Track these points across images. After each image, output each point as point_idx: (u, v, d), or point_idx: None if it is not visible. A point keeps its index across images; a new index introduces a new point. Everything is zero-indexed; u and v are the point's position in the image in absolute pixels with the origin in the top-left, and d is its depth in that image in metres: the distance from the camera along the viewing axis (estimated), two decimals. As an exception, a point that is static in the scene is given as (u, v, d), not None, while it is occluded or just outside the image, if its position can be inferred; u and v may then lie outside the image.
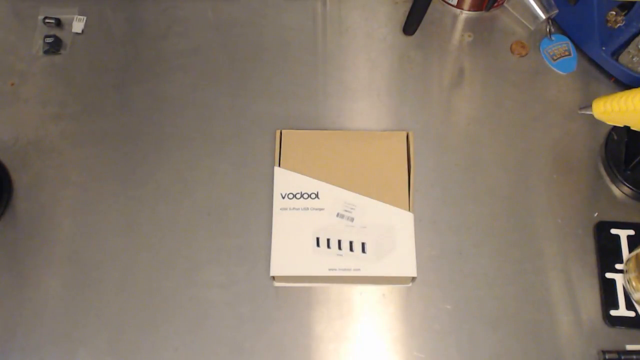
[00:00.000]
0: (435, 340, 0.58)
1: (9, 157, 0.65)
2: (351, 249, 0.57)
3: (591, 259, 0.60)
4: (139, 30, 0.72)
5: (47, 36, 0.71)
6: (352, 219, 0.58)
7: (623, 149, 0.64)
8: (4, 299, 0.59)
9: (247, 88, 0.69)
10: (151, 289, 0.59)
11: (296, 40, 0.72)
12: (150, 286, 0.59)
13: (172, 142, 0.66)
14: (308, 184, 0.60)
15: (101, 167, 0.65)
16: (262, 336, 0.58)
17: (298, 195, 0.59)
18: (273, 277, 0.58)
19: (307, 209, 0.59)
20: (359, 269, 0.56)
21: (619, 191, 0.63)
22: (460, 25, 0.73)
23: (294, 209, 0.59)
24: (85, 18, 0.72)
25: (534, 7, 0.68)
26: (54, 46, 0.71)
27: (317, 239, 0.57)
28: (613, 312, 0.58)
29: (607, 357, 0.56)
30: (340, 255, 0.57)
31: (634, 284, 0.57)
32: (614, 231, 0.61)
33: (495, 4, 0.72)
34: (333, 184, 0.60)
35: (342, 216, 0.58)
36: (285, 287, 0.59)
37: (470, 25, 0.73)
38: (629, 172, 0.62)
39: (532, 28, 0.71)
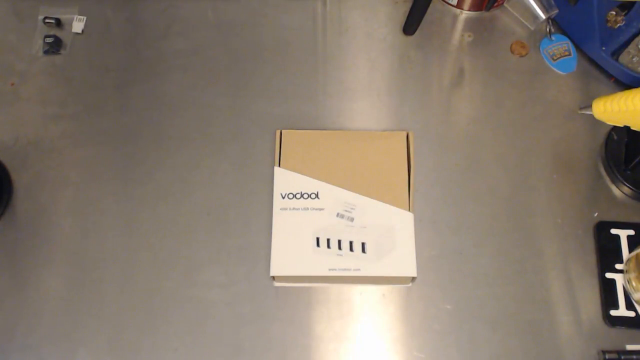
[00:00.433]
0: (435, 340, 0.58)
1: (9, 157, 0.65)
2: (351, 249, 0.57)
3: (591, 259, 0.60)
4: (139, 30, 0.72)
5: (47, 36, 0.71)
6: (352, 219, 0.58)
7: (623, 149, 0.64)
8: (4, 299, 0.59)
9: (247, 88, 0.69)
10: (151, 289, 0.59)
11: (296, 40, 0.72)
12: (150, 286, 0.59)
13: (172, 142, 0.66)
14: (308, 184, 0.60)
15: (101, 167, 0.65)
16: (262, 336, 0.58)
17: (298, 195, 0.59)
18: (273, 277, 0.58)
19: (307, 209, 0.59)
20: (359, 269, 0.56)
21: (619, 191, 0.63)
22: (460, 25, 0.73)
23: (294, 209, 0.59)
24: (85, 18, 0.72)
25: (534, 7, 0.68)
26: (54, 46, 0.71)
27: (317, 239, 0.57)
28: (613, 312, 0.58)
29: (607, 357, 0.56)
30: (340, 255, 0.57)
31: (634, 284, 0.57)
32: (614, 231, 0.61)
33: (495, 4, 0.72)
34: (333, 184, 0.60)
35: (342, 216, 0.58)
36: (285, 287, 0.59)
37: (470, 25, 0.73)
38: (629, 172, 0.62)
39: (532, 28, 0.71)
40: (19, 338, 0.58)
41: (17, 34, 0.72)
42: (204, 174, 0.64)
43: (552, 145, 0.66)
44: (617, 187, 0.63)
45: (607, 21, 0.66)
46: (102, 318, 0.58)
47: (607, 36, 0.66)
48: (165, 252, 0.61)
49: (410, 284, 0.59)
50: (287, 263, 0.57)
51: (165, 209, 0.63)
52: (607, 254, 0.60)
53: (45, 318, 0.58)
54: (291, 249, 0.57)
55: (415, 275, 0.57)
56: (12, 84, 0.69)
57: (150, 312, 0.58)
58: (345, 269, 0.56)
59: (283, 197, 0.59)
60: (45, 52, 0.71)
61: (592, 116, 0.57)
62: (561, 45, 0.71)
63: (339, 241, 0.57)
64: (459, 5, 0.73)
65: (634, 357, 0.56)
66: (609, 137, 0.64)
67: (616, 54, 0.67)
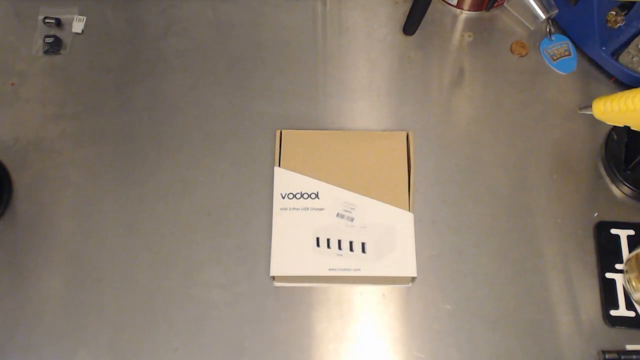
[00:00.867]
0: (435, 340, 0.58)
1: (9, 157, 0.65)
2: (351, 249, 0.57)
3: (591, 259, 0.60)
4: (139, 30, 0.72)
5: (47, 36, 0.71)
6: (352, 219, 0.58)
7: (623, 149, 0.64)
8: (4, 299, 0.59)
9: (247, 88, 0.69)
10: (151, 289, 0.59)
11: (296, 40, 0.72)
12: (150, 286, 0.59)
13: (172, 142, 0.66)
14: (308, 184, 0.60)
15: (101, 167, 0.65)
16: (262, 336, 0.58)
17: (298, 195, 0.59)
18: (273, 277, 0.58)
19: (307, 209, 0.59)
20: (359, 269, 0.56)
21: (619, 191, 0.63)
22: (460, 25, 0.73)
23: (294, 209, 0.59)
24: (85, 18, 0.72)
25: (534, 7, 0.68)
26: (54, 46, 0.70)
27: (317, 239, 0.57)
28: (613, 312, 0.58)
29: (607, 357, 0.56)
30: (340, 255, 0.57)
31: (634, 284, 0.57)
32: (614, 231, 0.61)
33: (495, 4, 0.72)
34: (333, 184, 0.60)
35: (342, 216, 0.58)
36: (285, 287, 0.59)
37: (470, 25, 0.73)
38: (629, 172, 0.62)
39: (532, 28, 0.71)
40: (19, 338, 0.58)
41: (17, 34, 0.72)
42: (204, 173, 0.64)
43: (552, 145, 0.66)
44: (617, 187, 0.63)
45: (607, 21, 0.66)
46: (102, 318, 0.58)
47: (607, 36, 0.66)
48: (165, 252, 0.61)
49: (410, 284, 0.59)
50: (287, 263, 0.57)
51: (165, 209, 0.63)
52: (607, 254, 0.60)
53: (45, 318, 0.58)
54: (291, 249, 0.57)
55: (415, 275, 0.57)
56: (12, 84, 0.69)
57: (150, 312, 0.58)
58: (345, 269, 0.56)
59: (283, 197, 0.59)
60: (45, 52, 0.71)
61: (592, 116, 0.57)
62: (561, 45, 0.71)
63: (339, 241, 0.57)
64: (459, 5, 0.73)
65: (634, 357, 0.56)
66: (609, 137, 0.64)
67: (616, 54, 0.67)
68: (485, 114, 0.68)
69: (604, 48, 0.66)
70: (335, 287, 0.59)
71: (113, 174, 0.65)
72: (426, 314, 0.58)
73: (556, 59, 0.70)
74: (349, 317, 0.58)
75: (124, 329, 0.58)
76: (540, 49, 0.71)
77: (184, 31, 0.72)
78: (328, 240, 0.57)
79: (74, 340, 0.57)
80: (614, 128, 0.64)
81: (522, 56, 0.71)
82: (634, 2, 0.65)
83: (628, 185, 0.62)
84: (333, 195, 0.59)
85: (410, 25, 0.70)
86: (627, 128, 0.56)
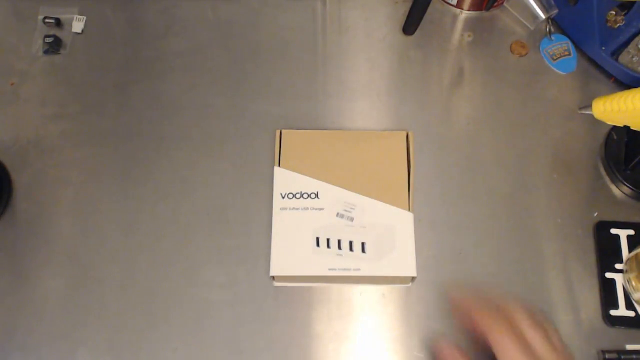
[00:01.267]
0: (435, 340, 0.58)
1: (9, 157, 0.65)
2: (351, 249, 0.57)
3: (591, 259, 0.60)
4: (139, 30, 0.73)
5: (47, 36, 0.71)
6: (352, 219, 0.58)
7: (623, 149, 0.64)
8: (4, 299, 0.59)
9: (247, 88, 0.69)
10: (151, 289, 0.59)
11: (296, 40, 0.72)
12: (150, 286, 0.59)
13: (172, 142, 0.66)
14: (308, 184, 0.60)
15: (101, 167, 0.65)
16: (262, 336, 0.58)
17: (298, 195, 0.59)
18: (273, 277, 0.58)
19: (307, 209, 0.59)
20: (359, 269, 0.56)
21: (619, 191, 0.63)
22: (460, 25, 0.73)
23: (294, 209, 0.59)
24: (85, 18, 0.72)
25: (534, 7, 0.68)
26: (54, 46, 0.71)
27: (317, 239, 0.57)
28: (613, 312, 0.58)
29: (607, 357, 0.56)
30: (340, 255, 0.57)
31: (634, 284, 0.57)
32: (614, 231, 0.61)
33: (495, 4, 0.72)
34: (333, 184, 0.60)
35: (342, 216, 0.58)
36: (285, 287, 0.59)
37: (470, 25, 0.73)
38: (629, 172, 0.62)
39: (532, 28, 0.71)
40: (19, 338, 0.58)
41: (17, 34, 0.72)
42: (204, 174, 0.64)
43: (552, 145, 0.66)
44: (617, 187, 0.63)
45: (607, 21, 0.66)
46: (102, 318, 0.58)
47: (607, 36, 0.66)
48: (165, 252, 0.61)
49: (410, 284, 0.59)
50: (287, 263, 0.57)
51: (165, 209, 0.63)
52: (607, 254, 0.60)
53: (45, 318, 0.58)
54: (291, 249, 0.57)
55: (415, 275, 0.57)
56: (12, 84, 0.69)
57: (150, 312, 0.58)
58: (345, 269, 0.56)
59: (283, 197, 0.59)
60: (45, 52, 0.71)
61: (592, 116, 0.57)
62: (561, 45, 0.71)
63: (339, 241, 0.57)
64: (459, 5, 0.73)
65: (634, 357, 0.56)
66: (609, 137, 0.64)
67: (616, 54, 0.67)
68: (485, 114, 0.68)
69: (604, 48, 0.66)
70: (335, 287, 0.59)
71: (113, 174, 0.65)
72: (426, 314, 0.58)
73: (556, 59, 0.70)
74: (349, 317, 0.58)
75: (124, 329, 0.58)
76: (540, 49, 0.71)
77: (184, 31, 0.72)
78: (328, 240, 0.57)
79: (74, 340, 0.57)
80: (614, 128, 0.64)
81: (522, 56, 0.71)
82: (634, 2, 0.65)
83: (628, 185, 0.62)
84: (333, 195, 0.59)
85: (410, 25, 0.70)
86: (627, 128, 0.56)
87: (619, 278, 0.59)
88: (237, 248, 0.61)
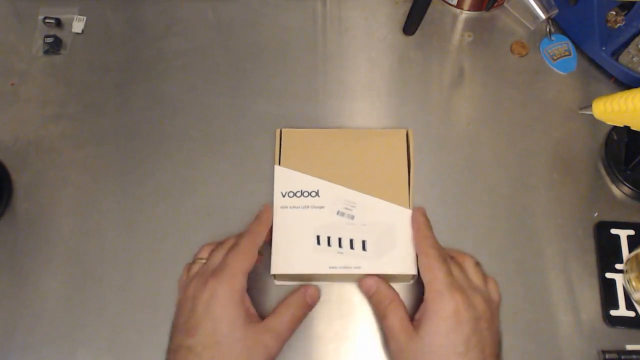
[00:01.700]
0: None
1: (9, 157, 0.65)
2: (351, 247, 0.57)
3: (591, 259, 0.60)
4: (139, 30, 0.73)
5: (47, 36, 0.71)
6: (352, 217, 0.58)
7: (623, 149, 0.64)
8: (4, 299, 0.59)
9: (247, 88, 0.69)
10: (151, 289, 0.59)
11: (296, 40, 0.72)
12: (150, 286, 0.59)
13: (172, 142, 0.66)
14: (308, 182, 0.60)
15: (101, 167, 0.65)
16: (262, 336, 0.57)
17: (298, 194, 0.59)
18: (274, 276, 0.58)
19: (308, 207, 0.59)
20: (359, 267, 0.56)
21: (619, 191, 0.63)
22: (460, 25, 0.73)
23: (294, 207, 0.59)
24: (85, 18, 0.72)
25: (534, 7, 0.69)
26: (54, 46, 0.71)
27: (318, 237, 0.57)
28: (613, 312, 0.58)
29: (607, 357, 0.56)
30: (341, 253, 0.57)
31: (634, 284, 0.57)
32: (614, 231, 0.61)
33: (495, 4, 0.72)
34: (333, 182, 0.59)
35: (342, 214, 0.58)
36: (285, 285, 0.59)
37: (470, 25, 0.73)
38: (629, 172, 0.62)
39: (532, 28, 0.71)
40: (19, 338, 0.58)
41: (17, 34, 0.72)
42: (204, 174, 0.64)
43: (552, 145, 0.66)
44: (617, 187, 0.63)
45: (607, 21, 0.66)
46: (102, 318, 0.58)
47: (607, 36, 0.66)
48: (165, 252, 0.61)
49: (411, 282, 0.59)
50: (288, 261, 0.57)
51: (165, 208, 0.63)
52: (607, 254, 0.60)
53: (45, 318, 0.58)
54: (291, 247, 0.57)
55: (415, 273, 0.56)
56: (12, 84, 0.69)
57: (150, 312, 0.58)
58: (345, 267, 0.56)
59: (283, 196, 0.59)
60: (45, 52, 0.71)
61: (592, 116, 0.57)
62: (561, 45, 0.71)
63: (340, 239, 0.57)
64: (459, 5, 0.73)
65: (634, 357, 0.56)
66: (609, 137, 0.64)
67: (616, 54, 0.67)
68: (485, 114, 0.68)
69: (604, 48, 0.66)
70: (336, 287, 0.59)
71: (113, 174, 0.64)
72: (426, 314, 0.58)
73: (556, 59, 0.70)
74: (349, 317, 0.58)
75: (124, 329, 0.58)
76: (540, 49, 0.71)
77: (184, 31, 0.72)
78: (328, 238, 0.57)
79: (74, 340, 0.57)
80: (614, 128, 0.64)
81: (522, 56, 0.71)
82: (634, 2, 0.65)
83: (628, 185, 0.62)
84: (333, 193, 0.59)
85: (410, 25, 0.70)
86: (627, 128, 0.55)
87: (619, 278, 0.59)
88: (237, 248, 0.61)
